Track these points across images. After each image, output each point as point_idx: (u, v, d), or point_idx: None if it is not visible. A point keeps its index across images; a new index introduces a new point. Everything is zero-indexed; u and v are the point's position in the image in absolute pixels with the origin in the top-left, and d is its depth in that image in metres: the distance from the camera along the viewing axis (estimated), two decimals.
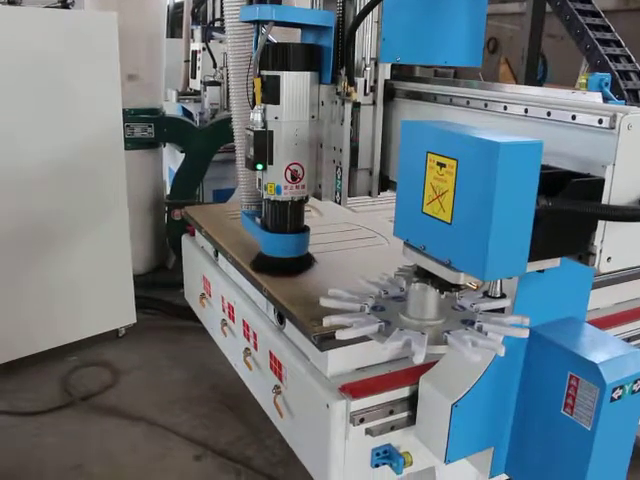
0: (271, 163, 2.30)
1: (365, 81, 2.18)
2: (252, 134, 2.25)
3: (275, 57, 2.22)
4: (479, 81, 2.23)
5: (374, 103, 2.21)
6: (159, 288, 4.92)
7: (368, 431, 2.02)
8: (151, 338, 4.34)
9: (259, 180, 2.41)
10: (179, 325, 4.52)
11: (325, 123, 2.30)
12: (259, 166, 2.30)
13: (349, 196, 2.29)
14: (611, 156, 1.41)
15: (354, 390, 2.00)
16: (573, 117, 1.49)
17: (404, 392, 2.06)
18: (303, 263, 2.57)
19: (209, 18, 8.88)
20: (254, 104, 2.26)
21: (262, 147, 2.26)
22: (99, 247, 3.97)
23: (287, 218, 2.45)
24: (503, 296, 1.79)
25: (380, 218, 3.35)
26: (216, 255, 3.15)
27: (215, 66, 6.61)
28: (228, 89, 6.58)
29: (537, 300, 1.84)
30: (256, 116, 2.25)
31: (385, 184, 2.29)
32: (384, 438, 2.07)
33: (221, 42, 7.39)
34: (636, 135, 1.40)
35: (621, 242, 1.50)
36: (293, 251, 2.52)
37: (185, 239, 3.58)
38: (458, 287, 1.61)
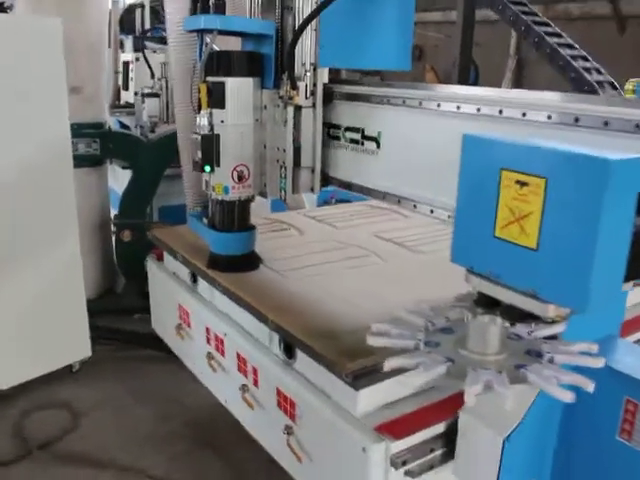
0: (218, 165, 2.42)
1: (306, 85, 2.34)
2: (199, 138, 2.37)
3: (220, 64, 2.36)
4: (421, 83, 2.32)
5: (314, 105, 2.38)
6: (109, 315, 4.55)
7: (408, 472, 1.85)
8: (110, 372, 3.98)
9: (206, 182, 2.51)
10: (139, 355, 4.19)
11: (268, 125, 2.47)
12: (207, 168, 2.41)
13: (292, 193, 2.47)
14: None
15: (394, 430, 1.83)
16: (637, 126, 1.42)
17: (440, 427, 1.91)
18: (252, 260, 2.66)
19: (138, 28, 8.48)
20: (200, 109, 2.38)
21: (209, 150, 2.38)
22: (47, 274, 3.58)
23: (235, 217, 2.57)
24: (555, 320, 1.68)
25: (365, 233, 3.20)
26: (194, 281, 2.89)
27: (153, 77, 6.26)
28: (168, 101, 6.30)
29: (574, 320, 1.75)
30: (203, 120, 2.37)
31: (326, 180, 2.49)
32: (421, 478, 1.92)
33: (155, 52, 7.05)
34: None
35: None
36: (242, 248, 2.63)
37: (151, 264, 3.29)
38: (536, 318, 1.47)
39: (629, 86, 1.80)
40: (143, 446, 3.29)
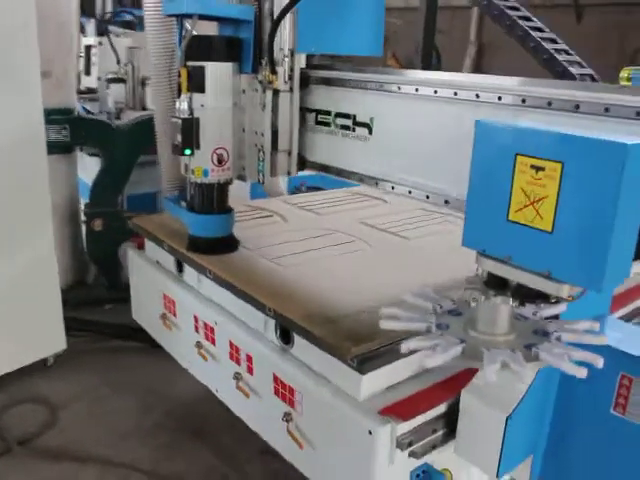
0: (198, 148, 2.45)
1: (284, 70, 2.37)
2: (180, 121, 2.38)
3: (200, 49, 2.37)
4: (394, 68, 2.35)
5: (291, 90, 2.42)
6: (81, 306, 4.44)
7: (412, 453, 1.87)
8: (86, 364, 3.88)
9: (185, 165, 2.52)
10: (115, 346, 4.12)
11: (247, 109, 2.51)
12: (187, 151, 2.43)
13: (271, 176, 2.51)
14: None
15: (399, 412, 1.84)
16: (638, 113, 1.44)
17: (442, 408, 1.94)
18: (230, 242, 2.70)
19: (98, 11, 8.22)
20: (179, 93, 2.40)
21: (189, 133, 2.41)
22: (21, 265, 3.47)
23: (214, 199, 2.60)
24: (558, 300, 1.72)
25: (348, 219, 3.20)
26: (180, 270, 2.84)
27: (119, 62, 6.09)
28: (134, 86, 6.13)
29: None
30: (183, 104, 2.39)
31: (302, 164, 2.53)
32: (416, 460, 1.94)
33: (118, 36, 6.85)
34: None
35: None
36: (221, 230, 2.67)
37: (132, 253, 3.21)
38: (544, 298, 1.50)
39: (624, 74, 1.84)
40: (127, 439, 3.23)
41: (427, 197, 2.05)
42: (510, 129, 1.41)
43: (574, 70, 2.12)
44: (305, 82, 2.44)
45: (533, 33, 2.20)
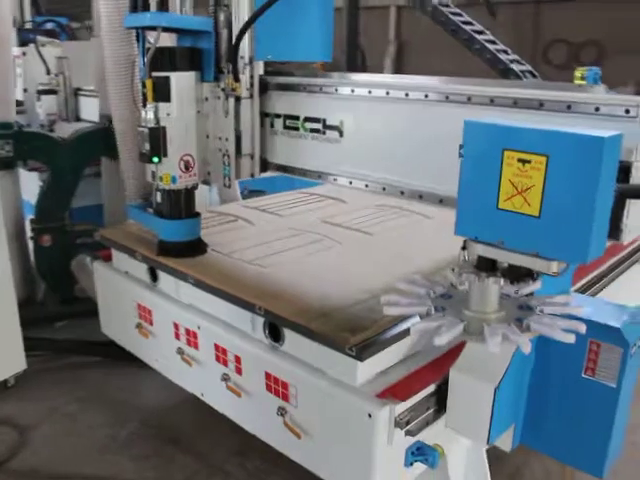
0: (165, 155, 2.54)
1: (246, 78, 2.53)
2: (147, 130, 2.47)
3: (164, 60, 2.48)
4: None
5: (251, 96, 2.58)
6: (32, 324, 4.32)
7: (408, 432, 2.02)
8: (48, 383, 3.80)
9: (153, 173, 2.60)
10: (75, 363, 4.04)
11: (210, 116, 2.62)
12: (155, 159, 2.52)
13: (236, 179, 2.68)
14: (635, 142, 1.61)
15: (396, 393, 1.98)
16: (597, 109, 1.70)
17: (432, 387, 2.09)
18: (200, 245, 2.80)
19: (17, 19, 7.91)
20: (145, 103, 2.49)
21: (157, 141, 2.49)
22: None
23: (182, 205, 2.69)
24: (534, 279, 1.90)
25: (312, 219, 3.32)
26: (154, 279, 2.87)
27: (48, 72, 5.93)
28: (67, 97, 6.00)
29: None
30: (149, 114, 2.48)
31: (264, 166, 2.71)
32: (412, 438, 2.09)
33: (44, 46, 6.64)
34: None
35: (634, 217, 1.73)
36: (191, 234, 2.77)
37: (99, 266, 3.20)
38: (531, 276, 1.68)
39: (578, 74, 2.04)
40: (104, 453, 3.20)
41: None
42: (497, 127, 1.58)
43: (515, 67, 2.32)
44: (264, 88, 2.60)
45: (477, 36, 2.39)
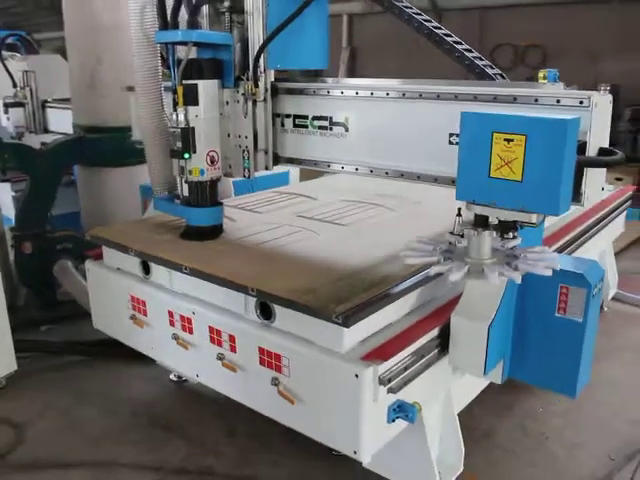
0: (195, 151, 2.91)
1: (263, 84, 2.89)
2: (179, 130, 2.86)
3: (193, 70, 2.86)
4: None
5: (265, 100, 2.92)
6: (19, 329, 4.45)
7: (390, 390, 2.30)
8: (38, 382, 3.95)
9: (182, 167, 2.97)
10: (61, 363, 4.20)
11: (231, 118, 3.00)
12: (186, 155, 2.89)
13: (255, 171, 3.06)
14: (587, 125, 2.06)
15: (379, 355, 2.27)
16: (558, 101, 2.17)
17: (411, 349, 2.39)
18: (221, 229, 3.21)
19: None
20: (175, 107, 2.87)
21: (187, 140, 2.87)
22: None
23: (208, 194, 3.06)
24: (515, 237, 2.36)
25: (287, 214, 3.59)
26: (146, 272, 3.09)
27: (15, 86, 6.03)
28: (34, 110, 6.12)
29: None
30: (180, 116, 2.86)
31: (276, 159, 3.06)
32: (394, 396, 2.37)
33: (6, 60, 6.72)
34: (600, 109, 2.11)
35: (591, 185, 2.15)
36: (216, 219, 3.16)
37: (91, 265, 3.39)
38: (515, 228, 2.26)
39: (540, 74, 2.38)
40: (101, 442, 3.38)
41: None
42: (487, 115, 2.07)
43: (489, 71, 2.70)
44: (275, 92, 2.96)
45: (457, 46, 2.74)
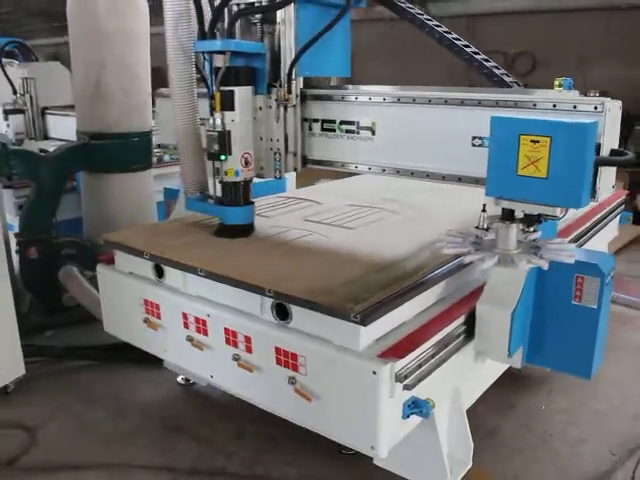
0: (230, 154, 3.08)
1: (295, 90, 3.09)
2: (216, 134, 3.03)
3: (230, 77, 3.03)
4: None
5: (294, 105, 3.13)
6: (22, 334, 4.47)
7: (406, 386, 2.38)
8: (47, 387, 3.98)
9: (217, 169, 3.15)
10: (68, 367, 4.23)
11: (263, 122, 3.20)
12: (222, 157, 3.07)
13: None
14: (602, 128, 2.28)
15: (395, 353, 2.34)
16: (574, 106, 2.41)
17: (424, 347, 2.46)
18: (252, 227, 3.36)
19: None
20: (212, 112, 3.04)
21: (223, 142, 3.04)
22: None
23: (243, 194, 3.24)
24: (535, 231, 2.64)
25: (294, 219, 3.65)
26: (160, 276, 3.14)
27: (15, 93, 6.06)
28: (34, 116, 6.16)
29: None
30: (217, 120, 3.03)
31: (304, 162, 3.25)
32: (409, 392, 2.44)
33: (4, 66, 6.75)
34: (612, 114, 2.36)
35: (604, 183, 2.40)
36: (249, 217, 3.33)
37: (102, 269, 3.43)
38: (539, 221, 2.52)
39: (556, 82, 2.54)
40: (112, 444, 3.43)
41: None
42: (516, 119, 2.32)
43: (507, 79, 2.88)
44: (303, 98, 3.16)
45: (476, 56, 2.92)
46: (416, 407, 2.45)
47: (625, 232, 5.89)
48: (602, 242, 4.49)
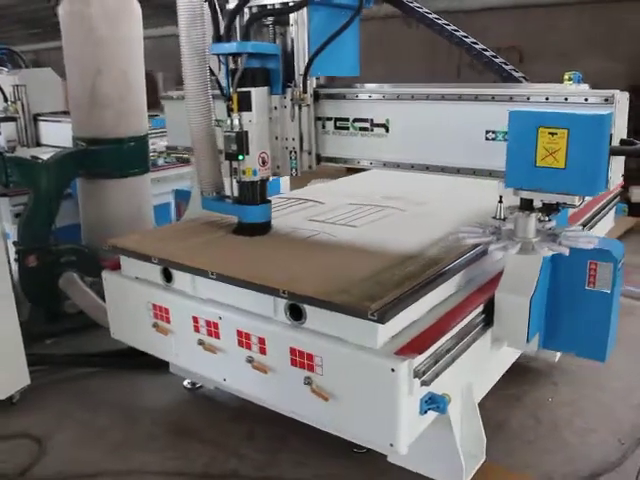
0: (248, 153, 3.14)
1: (309, 90, 3.16)
2: (234, 134, 3.08)
3: (246, 79, 3.07)
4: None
5: (308, 105, 3.18)
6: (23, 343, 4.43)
7: (423, 382, 2.39)
8: (53, 395, 3.94)
9: (235, 169, 3.20)
10: (73, 375, 4.19)
11: (278, 122, 3.24)
12: (240, 157, 3.13)
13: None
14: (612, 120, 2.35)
15: (413, 349, 2.35)
16: (586, 99, 2.45)
17: (439, 344, 2.48)
18: (269, 225, 3.44)
19: None
20: (229, 113, 3.10)
21: (241, 143, 3.10)
22: None
23: (260, 193, 3.30)
24: (550, 220, 2.72)
25: (299, 219, 3.66)
26: (168, 280, 3.13)
27: (6, 100, 6.01)
28: (26, 124, 6.11)
29: None
30: (235, 121, 3.09)
31: (318, 159, 3.30)
32: (426, 388, 2.46)
33: None
34: (621, 106, 2.44)
35: (615, 172, 2.46)
36: (267, 215, 3.40)
37: (108, 275, 3.41)
38: (557, 210, 2.62)
39: (566, 76, 2.63)
40: (123, 451, 3.40)
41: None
42: (534, 112, 2.39)
43: (516, 74, 2.96)
44: (316, 98, 3.21)
45: (486, 53, 3.00)
46: (433, 402, 2.47)
47: (621, 223, 5.96)
48: (601, 233, 4.54)
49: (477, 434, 2.99)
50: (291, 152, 3.26)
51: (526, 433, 3.49)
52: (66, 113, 6.08)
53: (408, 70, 11.90)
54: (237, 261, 2.92)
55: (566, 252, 2.55)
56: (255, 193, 3.27)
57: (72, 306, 4.57)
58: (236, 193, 3.29)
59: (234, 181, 3.26)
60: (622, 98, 2.42)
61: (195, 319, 2.98)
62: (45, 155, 4.93)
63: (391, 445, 2.41)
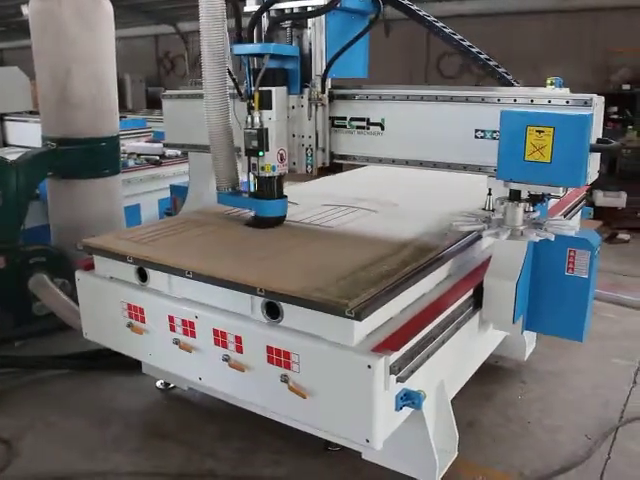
0: (267, 150, 3.29)
1: (326, 91, 3.33)
2: (255, 131, 3.24)
3: (267, 78, 3.22)
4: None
5: (324, 105, 3.33)
6: None
7: (399, 379, 2.43)
8: (20, 398, 3.88)
9: (254, 165, 3.35)
10: (43, 377, 4.13)
11: (295, 120, 3.39)
12: (260, 153, 3.28)
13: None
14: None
15: (389, 346, 2.39)
16: (567, 102, 2.70)
17: (415, 339, 2.53)
18: (284, 218, 3.57)
19: None
20: (250, 111, 3.26)
21: (262, 139, 3.26)
22: None
23: (278, 187, 3.46)
24: (535, 211, 2.96)
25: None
26: (143, 280, 3.11)
27: None
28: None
29: None
30: (256, 119, 3.25)
31: (332, 157, 3.47)
32: (402, 385, 2.50)
33: None
34: (598, 108, 2.70)
35: (592, 167, 2.70)
36: (284, 210, 3.55)
37: (82, 275, 3.37)
38: (542, 200, 2.85)
39: (548, 81, 2.84)
40: (97, 452, 3.36)
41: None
42: (523, 112, 2.65)
43: (509, 77, 3.16)
44: (331, 98, 3.36)
45: (481, 55, 3.19)
46: (408, 399, 2.51)
47: (587, 225, 6.12)
48: None
49: (450, 430, 3.04)
50: (307, 149, 3.40)
51: (497, 430, 3.57)
52: (33, 113, 6.01)
53: (384, 73, 12.02)
54: (214, 260, 2.92)
55: (552, 237, 2.76)
56: (273, 188, 3.41)
57: (40, 308, 4.49)
58: (255, 188, 3.43)
59: (253, 176, 3.40)
60: (599, 101, 2.66)
61: (171, 318, 2.97)
62: (12, 155, 4.86)
63: (367, 441, 2.44)
